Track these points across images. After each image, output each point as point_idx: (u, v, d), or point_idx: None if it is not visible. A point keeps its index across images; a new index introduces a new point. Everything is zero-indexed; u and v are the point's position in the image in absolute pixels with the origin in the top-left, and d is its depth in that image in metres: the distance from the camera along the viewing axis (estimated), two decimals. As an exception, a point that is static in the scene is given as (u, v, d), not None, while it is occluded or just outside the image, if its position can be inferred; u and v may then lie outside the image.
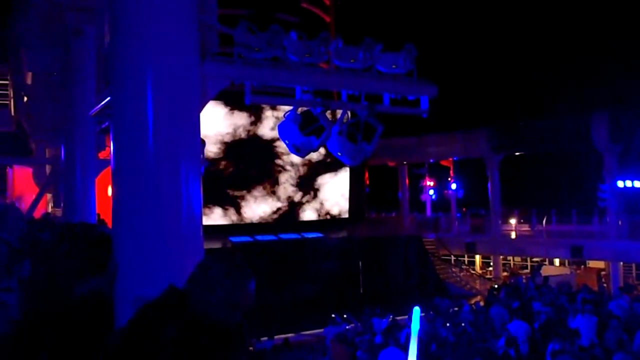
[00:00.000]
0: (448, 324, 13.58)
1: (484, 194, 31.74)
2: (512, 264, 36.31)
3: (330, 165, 29.16)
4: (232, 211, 27.47)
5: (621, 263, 26.92)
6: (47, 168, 20.50)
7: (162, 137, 4.29)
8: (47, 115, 15.61)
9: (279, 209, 28.78)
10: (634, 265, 30.91)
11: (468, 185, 37.73)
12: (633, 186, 27.63)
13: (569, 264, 32.90)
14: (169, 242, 4.24)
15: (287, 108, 6.31)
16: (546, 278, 19.76)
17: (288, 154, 25.51)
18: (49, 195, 21.62)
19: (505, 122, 31.32)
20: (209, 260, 2.63)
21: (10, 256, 4.19)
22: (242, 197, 27.79)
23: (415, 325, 2.71)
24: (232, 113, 26.88)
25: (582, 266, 32.95)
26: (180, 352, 2.39)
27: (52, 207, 21.52)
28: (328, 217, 30.23)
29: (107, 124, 6.87)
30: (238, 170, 27.02)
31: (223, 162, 26.44)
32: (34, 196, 18.74)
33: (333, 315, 16.47)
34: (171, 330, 2.41)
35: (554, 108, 36.55)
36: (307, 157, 15.08)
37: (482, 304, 17.58)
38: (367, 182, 33.91)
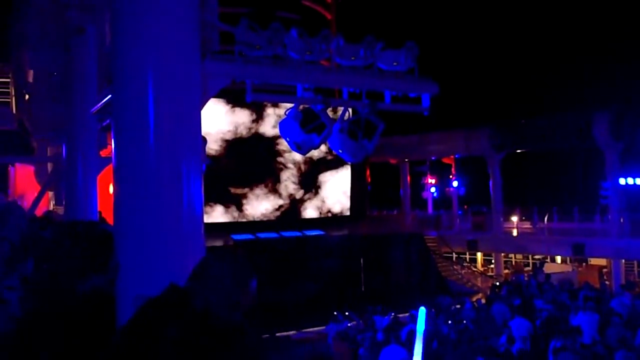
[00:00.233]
0: (450, 322, 13.59)
1: (486, 191, 31.72)
2: (514, 262, 36.30)
3: (331, 162, 29.15)
4: (233, 209, 27.47)
5: (623, 260, 26.90)
6: (49, 166, 20.51)
7: (163, 135, 4.29)
8: (48, 113, 15.62)
9: (280, 206, 28.78)
10: (635, 262, 30.87)
11: (470, 183, 37.72)
12: (635, 184, 27.62)
13: (570, 261, 32.87)
14: (170, 240, 4.25)
15: (289, 106, 6.32)
16: (548, 275, 19.74)
17: (290, 152, 25.51)
18: (50, 194, 21.62)
19: (507, 120, 31.30)
20: (210, 258, 2.63)
21: (13, 254, 4.20)
22: (244, 195, 27.78)
23: (420, 326, 2.70)
24: (234, 111, 26.87)
25: (584, 264, 32.93)
26: (181, 351, 2.39)
27: (54, 205, 21.52)
28: (329, 214, 30.22)
29: (108, 121, 6.88)
30: (240, 168, 27.00)
31: (224, 160, 26.42)
32: (35, 194, 18.74)
33: (335, 313, 16.48)
34: (172, 329, 2.41)
35: (556, 106, 36.54)
36: (309, 154, 15.09)
37: (483, 301, 17.58)
38: (369, 179, 33.88)
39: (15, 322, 3.72)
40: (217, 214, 26.60)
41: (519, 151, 31.80)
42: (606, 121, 25.82)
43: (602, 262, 30.63)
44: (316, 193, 29.79)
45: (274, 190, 28.59)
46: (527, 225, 33.23)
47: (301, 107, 6.24)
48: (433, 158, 35.88)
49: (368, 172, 33.28)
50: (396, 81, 6.53)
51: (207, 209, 25.50)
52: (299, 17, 25.15)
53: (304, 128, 6.16)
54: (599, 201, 30.39)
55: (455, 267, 31.85)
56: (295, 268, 23.49)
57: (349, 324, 15.73)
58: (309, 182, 29.47)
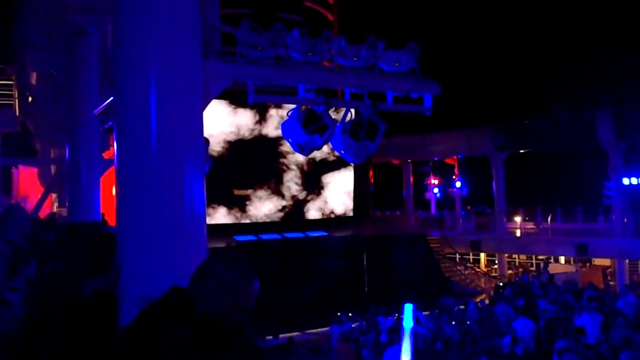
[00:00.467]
0: (453, 322, 13.57)
1: (489, 192, 31.67)
2: (517, 262, 36.24)
3: (334, 163, 29.14)
4: (236, 210, 27.48)
5: (627, 261, 26.82)
6: (52, 168, 20.58)
7: (165, 136, 4.29)
8: (51, 115, 15.68)
9: (283, 207, 28.78)
10: (639, 262, 30.78)
11: (473, 183, 37.67)
12: (638, 184, 27.52)
13: (574, 261, 32.80)
14: (172, 241, 4.25)
15: (292, 107, 6.32)
16: (552, 276, 19.71)
17: (292, 153, 25.50)
18: (54, 195, 21.68)
19: (510, 120, 31.23)
20: (212, 260, 2.63)
21: (16, 256, 4.21)
22: (247, 196, 27.79)
23: (407, 323, 2.70)
24: (237, 112, 26.89)
25: (588, 264, 32.86)
26: (184, 352, 2.39)
27: (57, 207, 21.57)
28: (332, 215, 30.21)
29: (110, 123, 6.89)
30: (242, 169, 26.99)
31: (227, 161, 26.43)
32: (39, 196, 18.82)
33: (338, 314, 16.47)
34: (175, 331, 2.41)
35: (559, 105, 36.42)
36: (311, 155, 15.09)
37: (487, 302, 17.56)
38: (372, 180, 33.85)
39: (18, 324, 3.73)
40: (220, 216, 26.61)
41: (522, 151, 31.74)
42: (609, 121, 25.76)
43: (605, 262, 30.54)
44: (319, 194, 29.78)
45: (277, 192, 28.59)
46: (530, 225, 33.17)
47: (303, 108, 6.24)
48: (436, 158, 35.84)
49: (371, 173, 33.26)
50: (398, 82, 6.52)
51: (210, 210, 25.50)
52: (300, 18, 25.14)
53: (306, 129, 6.16)
54: (602, 201, 30.29)
55: (458, 267, 31.82)
56: (298, 269, 23.49)
57: (352, 325, 15.71)
58: (312, 183, 29.46)
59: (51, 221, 8.70)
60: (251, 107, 25.99)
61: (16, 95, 21.75)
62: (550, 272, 22.03)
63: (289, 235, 26.26)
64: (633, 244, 25.04)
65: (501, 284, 22.15)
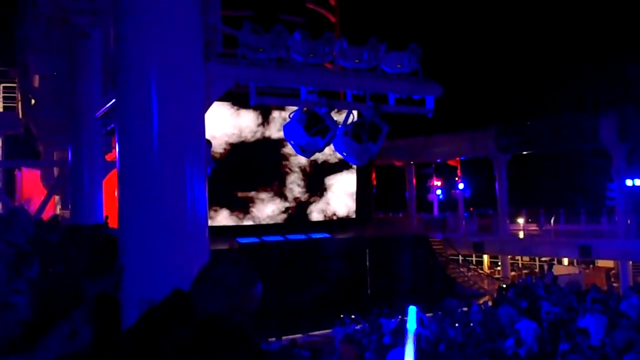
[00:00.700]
0: (457, 324, 13.54)
1: (492, 193, 31.62)
2: (520, 264, 36.17)
3: (337, 165, 29.14)
4: (239, 212, 27.50)
5: (630, 262, 26.73)
6: (55, 170, 20.61)
7: (167, 138, 4.30)
8: (54, 117, 15.70)
9: (286, 209, 28.79)
10: (643, 264, 30.70)
11: (475, 185, 37.62)
12: (642, 185, 27.44)
13: (577, 263, 32.72)
14: (174, 242, 4.25)
15: (294, 109, 6.31)
16: (555, 277, 19.66)
17: (295, 155, 25.52)
18: (57, 197, 21.72)
19: (513, 121, 31.19)
20: (214, 262, 2.62)
21: (19, 258, 4.21)
22: (249, 198, 27.81)
23: (411, 325, 2.69)
24: (239, 114, 26.91)
25: (591, 265, 32.77)
26: (186, 355, 2.39)
27: (60, 209, 21.61)
28: (335, 217, 30.21)
29: (113, 125, 6.89)
30: (245, 171, 27.01)
31: (230, 163, 26.45)
32: (42, 198, 18.83)
33: (341, 316, 16.45)
34: (178, 333, 2.41)
35: (562, 107, 36.38)
36: (314, 157, 15.08)
37: (490, 303, 17.51)
38: (374, 182, 33.85)
39: (22, 325, 3.73)
40: (222, 218, 26.62)
41: (525, 153, 31.68)
42: (613, 122, 25.72)
43: (609, 263, 30.46)
44: (322, 196, 29.79)
45: (280, 194, 28.60)
46: (533, 227, 33.10)
47: (305, 109, 6.24)
48: (439, 160, 35.81)
49: (374, 175, 33.25)
50: (400, 83, 6.52)
51: (213, 212, 25.52)
52: (302, 20, 25.15)
53: (308, 131, 6.16)
54: (605, 202, 30.25)
55: (461, 269, 31.77)
56: (301, 271, 23.49)
57: (355, 327, 15.69)
58: (315, 185, 29.47)
59: (54, 223, 8.71)
60: (254, 109, 26.03)
61: (19, 98, 21.81)
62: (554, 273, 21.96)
63: (291, 237, 26.26)
64: (636, 245, 24.97)
65: (504, 286, 22.11)
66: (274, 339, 15.75)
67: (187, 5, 4.50)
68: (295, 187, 28.98)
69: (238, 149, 26.96)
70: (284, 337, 16.05)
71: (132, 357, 2.43)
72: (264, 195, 28.17)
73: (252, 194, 27.85)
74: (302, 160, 27.32)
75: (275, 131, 27.24)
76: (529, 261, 35.81)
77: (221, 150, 26.01)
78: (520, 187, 37.02)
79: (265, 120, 27.53)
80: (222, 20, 5.48)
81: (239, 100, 24.24)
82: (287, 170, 28.67)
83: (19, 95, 21.80)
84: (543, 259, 33.60)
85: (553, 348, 10.66)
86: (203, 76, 4.69)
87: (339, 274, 24.39)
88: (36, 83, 16.05)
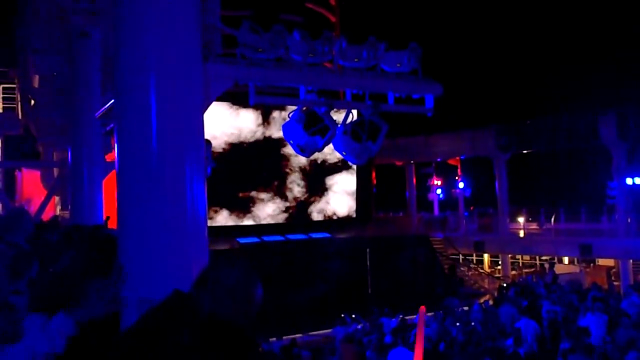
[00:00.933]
0: (457, 323, 13.55)
1: (492, 192, 31.60)
2: (521, 263, 36.16)
3: (337, 165, 29.14)
4: (239, 212, 27.49)
5: (631, 261, 26.73)
6: (55, 171, 20.60)
7: (166, 138, 4.29)
8: (54, 118, 15.70)
9: (286, 209, 28.78)
10: (643, 262, 30.69)
11: (476, 184, 37.60)
12: (642, 183, 27.46)
13: (578, 262, 32.72)
14: (173, 243, 4.24)
15: (294, 108, 6.31)
16: (555, 276, 19.67)
17: (295, 155, 25.50)
18: (56, 198, 21.71)
19: (513, 120, 31.19)
20: (215, 263, 2.62)
21: (19, 259, 4.20)
22: (250, 198, 27.80)
23: (421, 326, 2.70)
24: (239, 114, 26.90)
25: (592, 264, 32.76)
26: (186, 356, 2.38)
27: (60, 210, 21.60)
28: (335, 217, 30.21)
29: (112, 126, 6.89)
30: (245, 171, 27.00)
31: (230, 163, 26.44)
32: (42, 199, 18.83)
33: (342, 316, 16.44)
34: (177, 334, 2.40)
35: (562, 106, 36.38)
36: (314, 157, 15.07)
37: (491, 302, 17.52)
38: (374, 181, 33.83)
39: (21, 326, 3.72)
40: (222, 218, 26.61)
41: (525, 152, 31.68)
42: (613, 121, 25.72)
43: (609, 262, 30.46)
44: (322, 196, 29.78)
45: (280, 194, 28.59)
46: (534, 226, 33.10)
47: (304, 109, 6.23)
48: (439, 159, 35.79)
49: (373, 174, 33.23)
50: (399, 82, 6.51)
51: (213, 212, 25.52)
52: (302, 20, 25.13)
53: (307, 130, 6.15)
54: (605, 201, 30.23)
55: (462, 268, 31.76)
56: (301, 271, 23.47)
57: (356, 327, 15.69)
58: (315, 185, 29.46)
59: (54, 224, 8.71)
60: (254, 108, 26.02)
61: (19, 99, 21.82)
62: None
63: (292, 237, 26.26)
64: (637, 243, 24.96)
65: (505, 285, 22.12)
66: (274, 338, 15.75)
67: (186, 4, 4.49)
68: (295, 186, 28.97)
69: (238, 148, 26.94)
70: (284, 337, 16.04)
71: (132, 358, 2.43)
72: (264, 195, 28.16)
73: (252, 193, 27.84)
74: (302, 160, 27.30)
75: (275, 131, 27.22)
76: (530, 260, 35.80)
77: (221, 150, 26.00)
78: (521, 186, 37.01)
79: (265, 120, 27.52)
80: (221, 20, 5.48)
81: (239, 100, 24.22)
82: (287, 170, 28.66)
83: (19, 95, 21.80)
84: (544, 258, 33.61)
85: (553, 347, 10.66)
86: (202, 76, 4.68)
87: (339, 273, 24.38)
88: (36, 83, 16.04)
